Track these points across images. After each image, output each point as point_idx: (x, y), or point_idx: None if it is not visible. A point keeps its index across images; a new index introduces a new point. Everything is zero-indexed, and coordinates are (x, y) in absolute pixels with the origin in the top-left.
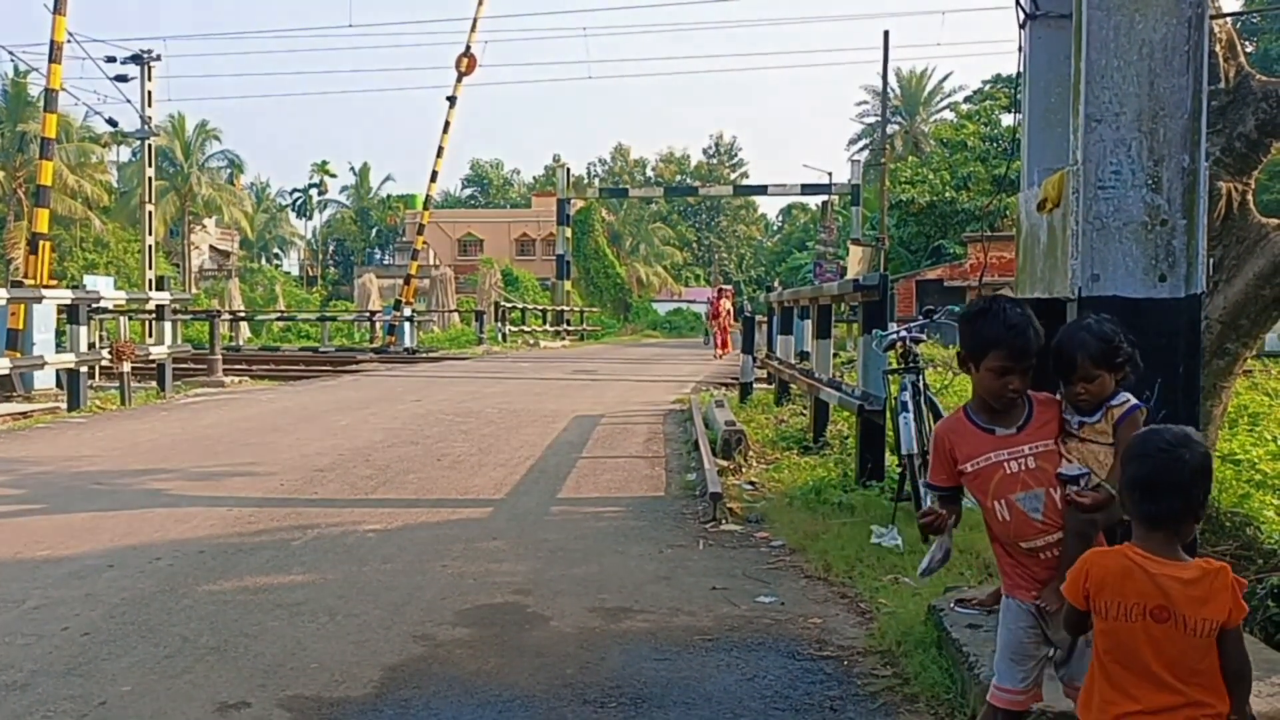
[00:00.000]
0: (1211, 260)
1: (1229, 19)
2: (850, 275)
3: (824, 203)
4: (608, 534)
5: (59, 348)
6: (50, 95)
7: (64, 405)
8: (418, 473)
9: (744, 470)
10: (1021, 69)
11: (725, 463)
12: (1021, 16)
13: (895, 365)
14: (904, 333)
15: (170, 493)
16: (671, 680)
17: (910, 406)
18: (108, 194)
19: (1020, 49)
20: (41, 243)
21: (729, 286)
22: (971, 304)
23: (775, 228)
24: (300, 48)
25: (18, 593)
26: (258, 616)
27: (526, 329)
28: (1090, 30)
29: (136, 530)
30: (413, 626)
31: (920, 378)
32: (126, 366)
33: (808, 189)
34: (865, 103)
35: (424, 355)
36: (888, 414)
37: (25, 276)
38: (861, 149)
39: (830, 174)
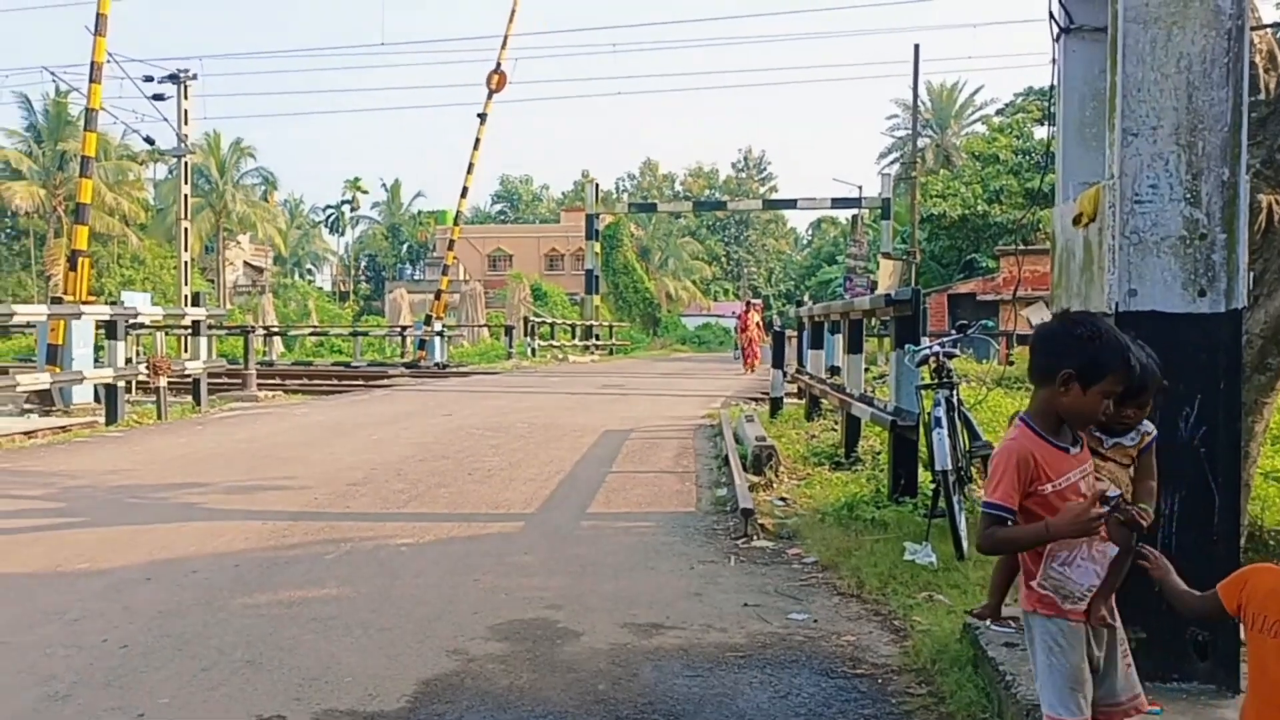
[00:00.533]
0: (1252, 274)
1: (1270, 30)
2: (881, 289)
3: (854, 216)
4: (638, 549)
5: (97, 363)
6: (90, 114)
7: (102, 419)
8: (449, 487)
9: (775, 486)
10: (1055, 82)
11: (756, 478)
12: (1055, 30)
13: (928, 380)
14: (937, 348)
15: (205, 506)
16: (704, 697)
17: (944, 422)
18: (144, 211)
19: (1054, 62)
20: (80, 259)
21: (758, 301)
22: (1071, 318)
23: (804, 242)
24: (333, 66)
25: (58, 605)
26: (292, 630)
27: (555, 344)
28: (1126, 43)
29: (173, 544)
30: (445, 641)
31: (954, 393)
32: (163, 381)
33: (838, 203)
34: (895, 116)
35: (454, 370)
36: (920, 430)
37: (65, 293)
38: (892, 162)
39: (860, 188)
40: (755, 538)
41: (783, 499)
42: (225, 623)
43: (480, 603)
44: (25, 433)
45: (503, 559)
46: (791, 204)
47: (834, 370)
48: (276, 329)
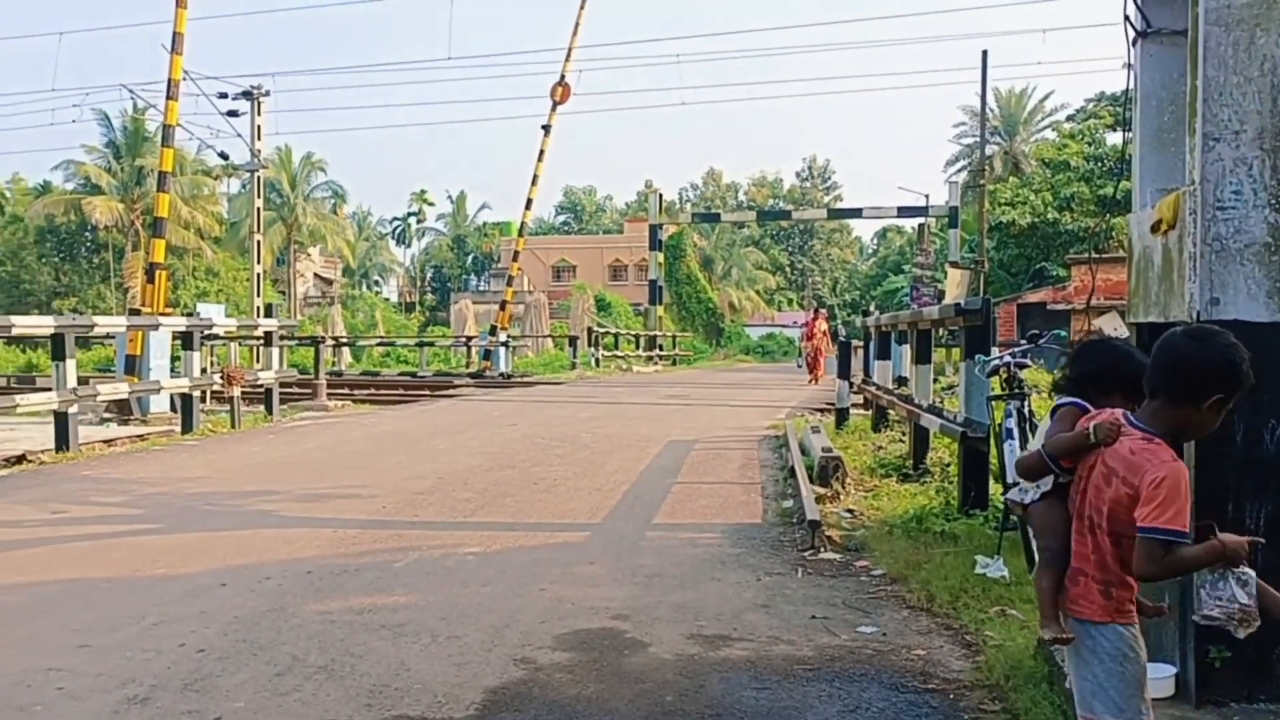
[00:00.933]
0: None
1: None
2: (948, 299)
3: (921, 225)
4: (704, 560)
5: (174, 373)
6: (167, 130)
7: (178, 428)
8: (515, 496)
9: (842, 497)
10: (1131, 87)
11: (822, 490)
12: (1132, 33)
13: (999, 391)
14: (1008, 358)
15: (278, 513)
16: (772, 709)
17: (1016, 433)
18: (218, 224)
19: (1129, 66)
20: (158, 272)
21: (824, 309)
22: (1215, 338)
23: (870, 251)
24: (401, 80)
25: (137, 609)
26: (363, 636)
27: (619, 354)
28: (1207, 47)
29: (247, 550)
30: (513, 649)
31: (1025, 404)
32: (237, 391)
33: (904, 211)
34: (963, 123)
35: (519, 380)
36: (991, 441)
37: (142, 304)
38: (959, 170)
39: (927, 196)
40: (822, 550)
41: (850, 511)
42: (298, 628)
43: (547, 612)
44: (105, 441)
45: (568, 569)
46: (857, 213)
47: (901, 381)
48: (345, 339)
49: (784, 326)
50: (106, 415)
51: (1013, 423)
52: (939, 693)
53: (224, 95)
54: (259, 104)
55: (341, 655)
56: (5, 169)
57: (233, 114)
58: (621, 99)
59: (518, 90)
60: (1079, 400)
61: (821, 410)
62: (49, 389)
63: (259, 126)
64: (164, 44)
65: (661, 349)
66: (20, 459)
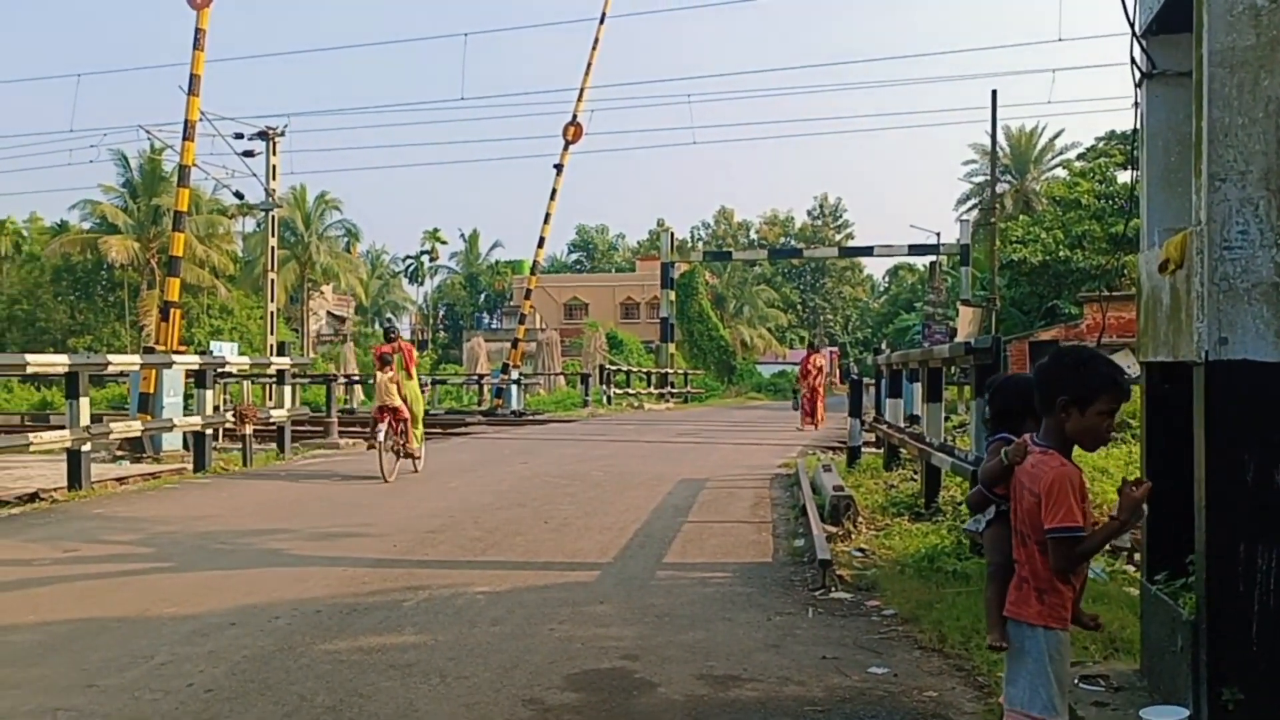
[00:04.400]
0: None
1: None
2: (960, 337)
3: (932, 263)
4: (715, 600)
5: (186, 411)
6: (183, 170)
7: (190, 466)
8: (525, 535)
9: (853, 537)
10: (1138, 127)
11: (834, 528)
12: (1138, 75)
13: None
14: None
15: (289, 552)
16: None
17: None
18: (233, 263)
19: (1136, 106)
20: (172, 310)
21: (834, 348)
22: (1061, 352)
23: (881, 289)
24: (415, 120)
25: (146, 649)
26: (371, 677)
27: (630, 391)
28: (1212, 88)
29: (257, 589)
30: (521, 690)
31: None
32: (249, 429)
33: (915, 249)
34: (974, 161)
35: (530, 418)
36: None
37: (157, 342)
38: (970, 208)
39: (938, 234)
40: (833, 589)
41: (861, 550)
42: (307, 668)
43: (556, 652)
44: (118, 479)
45: (579, 608)
46: (868, 251)
47: (913, 419)
48: (357, 377)
49: (795, 364)
50: (119, 453)
51: None
52: None
53: (240, 135)
54: (274, 144)
55: (349, 695)
56: (23, 208)
57: (248, 154)
58: (633, 138)
59: (530, 130)
60: (1003, 433)
61: (834, 449)
62: (62, 427)
63: (274, 166)
64: (181, 86)
65: (673, 386)
66: (33, 496)
